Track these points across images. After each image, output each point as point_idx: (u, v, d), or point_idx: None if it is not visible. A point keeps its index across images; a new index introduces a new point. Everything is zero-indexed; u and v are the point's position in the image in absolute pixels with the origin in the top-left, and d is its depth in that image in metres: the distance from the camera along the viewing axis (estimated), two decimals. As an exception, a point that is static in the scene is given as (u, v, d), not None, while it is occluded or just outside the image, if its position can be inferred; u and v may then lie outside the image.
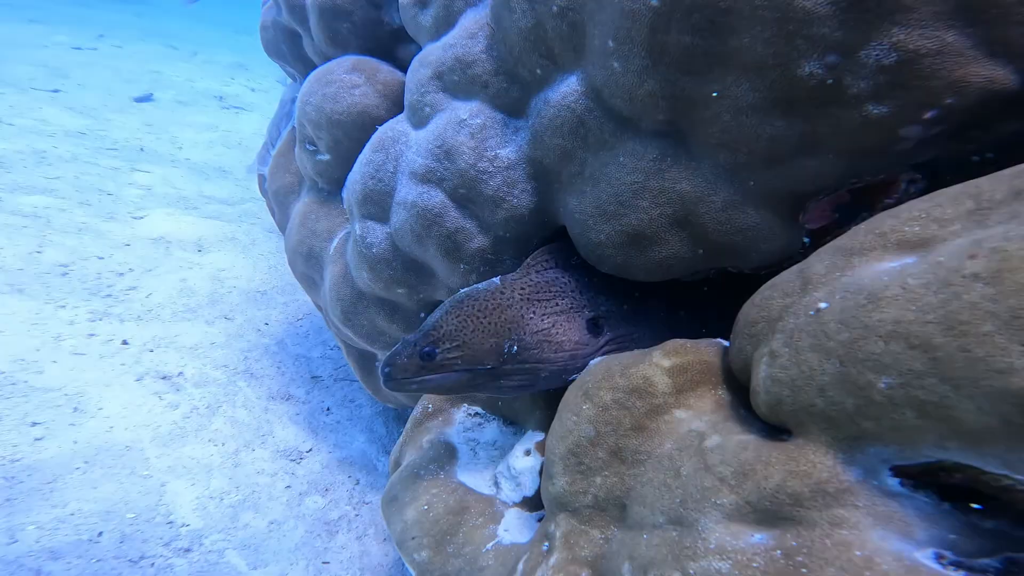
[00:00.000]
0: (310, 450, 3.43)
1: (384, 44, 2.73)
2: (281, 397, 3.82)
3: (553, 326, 2.03)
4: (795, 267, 1.58)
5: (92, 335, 4.01)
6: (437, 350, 1.93)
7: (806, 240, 1.86)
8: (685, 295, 2.28)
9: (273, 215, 3.43)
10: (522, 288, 2.07)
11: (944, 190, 1.33)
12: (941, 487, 1.19)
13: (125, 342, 4.01)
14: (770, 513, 1.31)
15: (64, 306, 4.24)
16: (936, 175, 1.65)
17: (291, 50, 3.27)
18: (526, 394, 2.24)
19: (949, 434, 1.06)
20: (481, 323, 1.96)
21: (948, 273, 1.09)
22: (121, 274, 4.84)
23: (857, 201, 1.75)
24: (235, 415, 3.56)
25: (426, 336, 1.95)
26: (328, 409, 3.80)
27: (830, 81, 1.49)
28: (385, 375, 1.95)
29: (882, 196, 1.72)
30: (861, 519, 1.20)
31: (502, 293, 2.03)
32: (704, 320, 2.22)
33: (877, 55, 1.43)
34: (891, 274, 1.24)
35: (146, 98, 11.54)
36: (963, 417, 1.02)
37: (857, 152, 1.61)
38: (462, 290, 2.09)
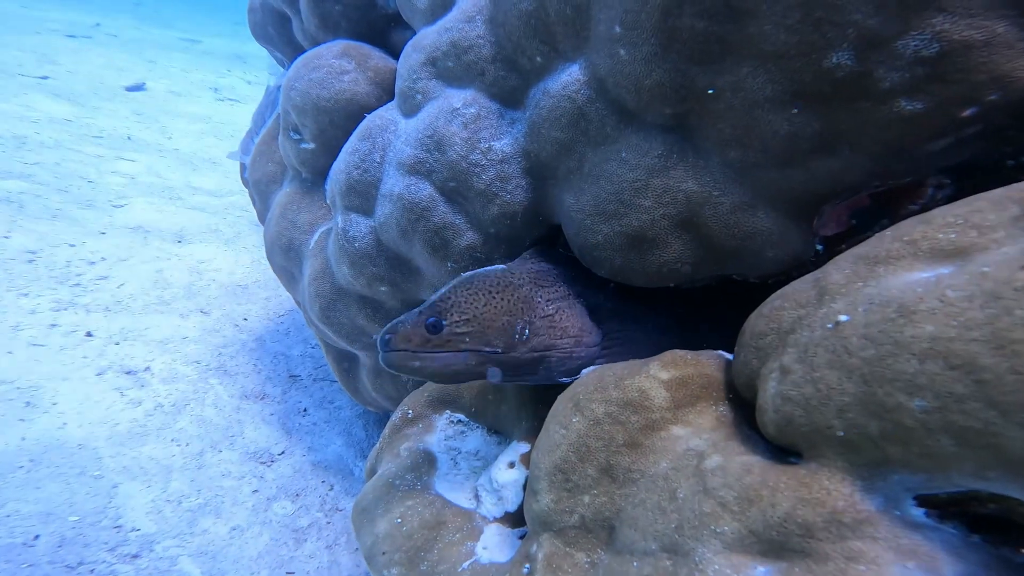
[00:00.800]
0: (282, 453, 3.25)
1: (378, 29, 2.60)
2: (255, 396, 3.64)
3: (557, 312, 1.91)
4: (809, 275, 1.47)
5: (54, 325, 3.81)
6: (445, 322, 1.73)
7: (819, 247, 1.74)
8: (679, 301, 2.16)
9: (254, 205, 3.27)
10: (527, 272, 1.95)
11: (983, 194, 1.21)
12: (970, 518, 1.07)
13: (89, 334, 3.81)
14: (776, 544, 1.18)
15: (27, 294, 4.04)
16: (966, 180, 1.53)
17: (279, 33, 3.13)
18: (524, 385, 2.08)
19: (991, 463, 0.95)
20: (494, 299, 1.80)
21: (997, 285, 0.97)
22: (92, 263, 4.63)
23: (878, 206, 1.63)
24: (203, 414, 3.37)
25: (433, 306, 1.75)
26: (305, 410, 3.62)
27: (860, 73, 1.37)
28: (384, 343, 1.73)
29: (906, 201, 1.60)
30: (881, 553, 1.07)
31: (511, 273, 1.90)
32: (698, 329, 2.10)
33: (916, 45, 1.31)
34: (925, 285, 1.12)
35: (138, 87, 11.35)
36: (1010, 445, 0.91)
37: (883, 152, 1.49)
38: (465, 273, 1.94)
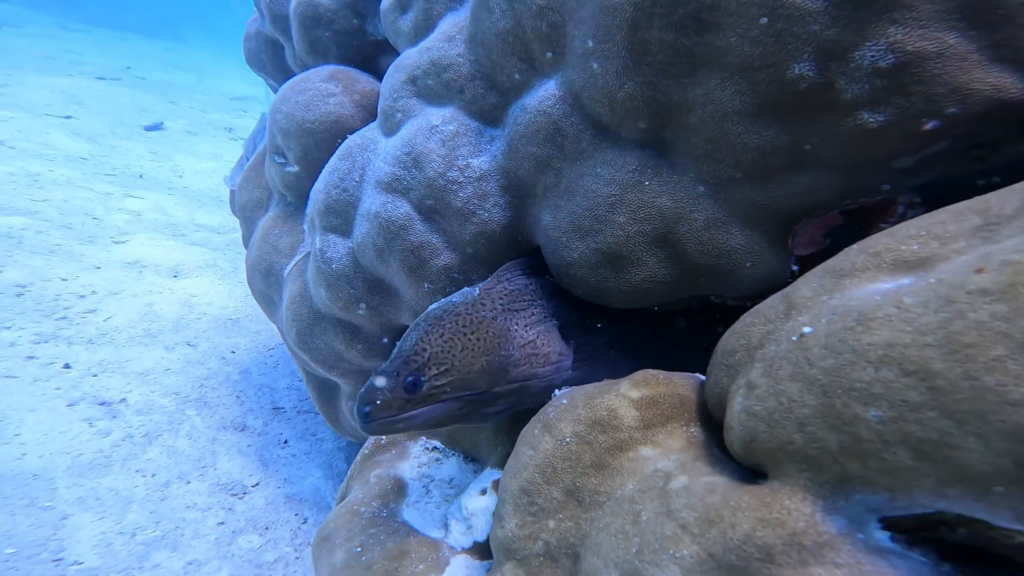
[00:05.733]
0: (256, 484, 3.12)
1: (366, 55, 2.65)
2: (234, 427, 3.53)
3: (537, 337, 1.84)
4: (780, 292, 1.44)
5: (31, 357, 3.76)
6: (423, 378, 1.66)
7: (795, 267, 1.70)
8: (659, 324, 2.10)
9: (242, 231, 3.27)
10: (500, 298, 1.87)
11: (946, 207, 1.21)
12: (940, 544, 1.00)
13: (67, 365, 3.75)
14: (736, 570, 1.10)
15: (9, 327, 4.00)
16: (938, 199, 1.50)
17: (272, 61, 3.20)
18: (501, 418, 2.02)
19: (951, 479, 0.89)
20: (470, 341, 1.72)
21: (950, 290, 0.94)
22: (82, 296, 4.61)
23: (850, 225, 1.60)
24: (176, 444, 3.25)
25: (408, 363, 1.67)
26: (285, 442, 3.50)
27: (822, 84, 1.37)
28: (364, 416, 1.64)
29: (877, 220, 1.57)
30: (841, 581, 0.98)
31: (483, 304, 1.82)
32: (676, 353, 2.03)
33: (873, 56, 1.32)
34: (885, 294, 1.10)
35: (156, 127, 11.66)
36: (968, 459, 0.85)
37: (852, 167, 1.48)
38: (434, 305, 1.87)
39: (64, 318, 4.31)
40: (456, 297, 1.87)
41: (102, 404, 3.45)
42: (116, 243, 6.07)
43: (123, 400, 3.52)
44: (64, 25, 23.14)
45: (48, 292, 4.58)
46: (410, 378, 1.65)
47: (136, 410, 3.46)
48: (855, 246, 1.29)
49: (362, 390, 1.68)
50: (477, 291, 1.88)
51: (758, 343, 1.36)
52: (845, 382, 1.01)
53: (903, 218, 1.54)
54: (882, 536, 1.00)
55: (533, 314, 1.89)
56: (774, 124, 1.47)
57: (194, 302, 4.93)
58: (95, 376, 3.70)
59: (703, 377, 1.64)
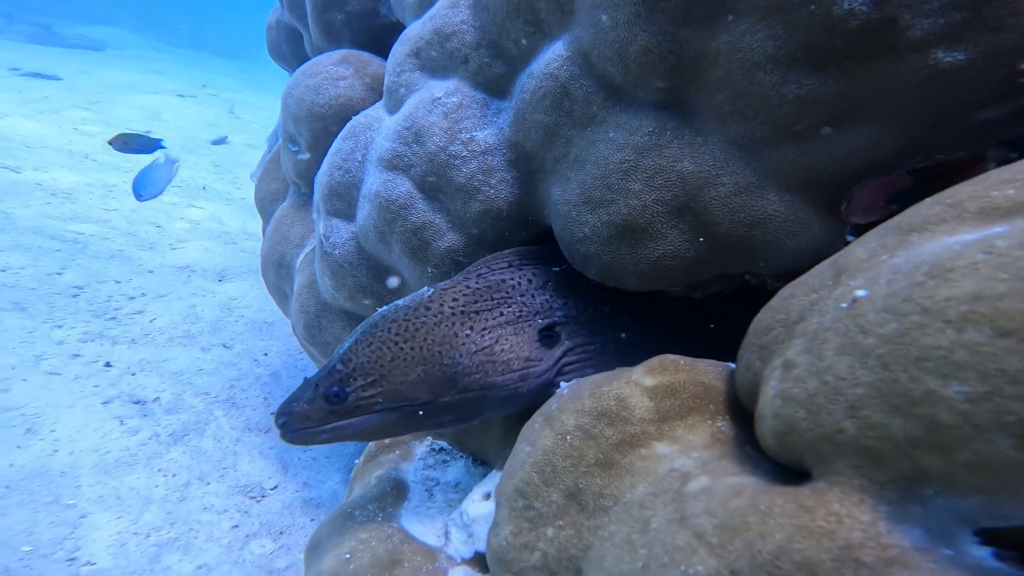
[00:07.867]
0: (275, 487, 3.03)
1: (381, 38, 2.54)
2: (259, 429, 3.48)
3: (496, 342, 1.64)
4: (830, 258, 1.19)
5: (76, 356, 3.85)
6: (348, 389, 1.55)
7: (850, 238, 1.45)
8: (685, 315, 1.85)
9: (262, 226, 3.23)
10: (454, 299, 1.68)
11: None
12: None
13: (108, 364, 3.82)
14: (769, 592, 0.86)
15: (61, 326, 4.13)
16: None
17: (292, 51, 3.16)
18: (472, 425, 1.85)
19: None
20: (402, 350, 1.58)
21: None
22: (132, 298, 4.75)
23: (923, 187, 1.33)
24: (200, 445, 3.22)
25: (331, 373, 1.57)
26: (308, 445, 3.42)
27: (881, 20, 1.13)
28: (281, 426, 1.58)
29: (959, 181, 1.29)
30: (920, 612, 0.74)
31: (427, 309, 1.65)
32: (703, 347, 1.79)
33: (952, -16, 1.07)
34: (967, 244, 0.85)
35: (221, 141, 12.17)
36: None
37: (919, 119, 1.23)
38: (379, 310, 1.72)
39: (113, 318, 4.43)
40: (404, 300, 1.72)
41: (136, 403, 3.48)
42: (172, 250, 6.26)
43: (157, 399, 3.54)
44: (159, 48, 25.07)
45: (101, 293, 4.73)
46: (333, 388, 1.55)
47: (167, 409, 3.46)
48: (928, 199, 1.06)
49: (283, 400, 1.61)
50: (429, 292, 1.72)
51: (798, 316, 1.13)
52: (913, 350, 0.79)
53: (995, 177, 1.26)
54: (981, 553, 0.76)
55: (501, 314, 1.69)
56: (817, 72, 1.24)
57: (234, 304, 4.98)
58: (133, 375, 3.75)
59: (733, 365, 1.41)
